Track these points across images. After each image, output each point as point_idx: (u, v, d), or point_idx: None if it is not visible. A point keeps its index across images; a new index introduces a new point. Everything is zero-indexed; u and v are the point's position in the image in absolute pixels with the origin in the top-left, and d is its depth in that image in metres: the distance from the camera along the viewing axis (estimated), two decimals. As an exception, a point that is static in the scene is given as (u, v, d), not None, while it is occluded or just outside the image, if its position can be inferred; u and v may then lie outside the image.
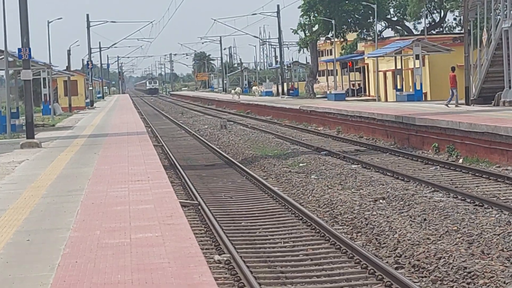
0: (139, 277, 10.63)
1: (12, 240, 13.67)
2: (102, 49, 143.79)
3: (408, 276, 14.82)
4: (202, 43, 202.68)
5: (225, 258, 16.64)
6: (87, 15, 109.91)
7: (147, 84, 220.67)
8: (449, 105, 48.04)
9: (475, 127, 32.83)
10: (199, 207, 23.24)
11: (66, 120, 66.48)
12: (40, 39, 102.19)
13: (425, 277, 15.19)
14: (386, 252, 17.38)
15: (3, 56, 47.84)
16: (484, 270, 14.91)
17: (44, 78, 69.48)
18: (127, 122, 56.07)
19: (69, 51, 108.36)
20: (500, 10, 48.12)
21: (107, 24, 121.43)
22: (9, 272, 11.26)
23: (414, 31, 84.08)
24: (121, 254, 12.17)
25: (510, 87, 45.81)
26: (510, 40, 45.63)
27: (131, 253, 12.16)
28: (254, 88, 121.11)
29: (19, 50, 37.99)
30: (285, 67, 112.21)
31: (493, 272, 14.69)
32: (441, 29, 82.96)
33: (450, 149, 34.55)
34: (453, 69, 49.60)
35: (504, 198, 22.91)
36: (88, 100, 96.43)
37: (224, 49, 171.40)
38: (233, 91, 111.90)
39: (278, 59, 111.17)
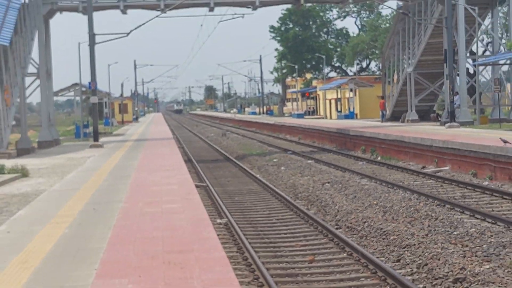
0: (167, 234, 10.93)
1: (83, 209, 14.07)
2: (144, 83, 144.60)
3: (344, 233, 15.31)
4: (210, 79, 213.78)
5: (224, 221, 17.04)
6: (134, 61, 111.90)
7: (175, 106, 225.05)
8: (382, 122, 49.61)
9: (389, 136, 33.35)
10: (207, 187, 23.62)
11: (120, 130, 65.42)
12: (103, 76, 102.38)
13: (355, 234, 15.46)
14: (330, 218, 17.66)
15: (78, 87, 50.11)
16: (393, 230, 14.96)
17: (105, 102, 70.86)
18: (159, 131, 55.27)
19: (122, 84, 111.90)
20: (405, 59, 48.20)
21: (147, 66, 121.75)
22: (81, 230, 11.66)
23: (349, 73, 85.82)
24: (155, 218, 12.51)
25: (411, 110, 47.39)
26: (411, 79, 47.48)
27: (162, 218, 12.51)
28: (246, 109, 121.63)
29: (89, 83, 40.17)
30: (265, 95, 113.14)
31: (400, 231, 14.79)
32: (367, 72, 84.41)
33: (372, 150, 34.94)
34: (382, 97, 52.49)
35: (407, 183, 23.41)
36: (134, 117, 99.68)
37: (225, 83, 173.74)
38: (231, 111, 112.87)
39: (260, 90, 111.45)
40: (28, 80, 39.62)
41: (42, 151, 36.60)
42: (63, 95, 63.95)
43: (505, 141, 22.43)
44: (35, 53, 40.21)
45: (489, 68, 43.99)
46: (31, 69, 39.96)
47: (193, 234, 10.84)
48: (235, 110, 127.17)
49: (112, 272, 8.57)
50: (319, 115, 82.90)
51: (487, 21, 44.88)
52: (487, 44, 48.05)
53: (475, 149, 24.11)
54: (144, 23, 42.35)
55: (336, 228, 15.89)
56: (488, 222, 15.46)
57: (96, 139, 38.57)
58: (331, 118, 73.20)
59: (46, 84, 40.62)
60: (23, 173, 23.37)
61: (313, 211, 18.79)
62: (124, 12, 41.41)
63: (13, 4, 35.44)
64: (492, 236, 13.74)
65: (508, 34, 42.27)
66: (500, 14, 44.63)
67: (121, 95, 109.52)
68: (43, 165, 27.22)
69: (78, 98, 58.03)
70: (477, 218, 16.01)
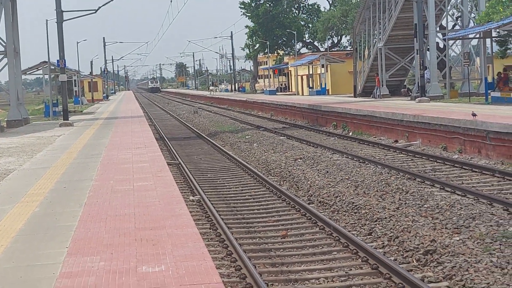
0: (139, 211, 11.02)
1: (53, 187, 14.10)
2: (114, 60, 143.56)
3: (316, 208, 15.35)
4: (181, 57, 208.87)
5: (197, 198, 16.97)
6: (103, 38, 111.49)
7: (149, 84, 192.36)
8: (376, 98, 48.75)
9: (360, 111, 33.44)
10: (180, 165, 23.53)
11: (90, 108, 65.47)
12: (71, 53, 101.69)
13: (327, 209, 15.50)
14: (302, 193, 17.76)
15: (47, 65, 49.22)
16: (365, 204, 15.01)
17: (74, 80, 70.87)
18: (130, 109, 55.30)
19: (91, 62, 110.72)
20: (376, 35, 48.43)
21: (117, 43, 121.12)
22: (51, 208, 11.71)
23: (321, 49, 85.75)
24: (127, 196, 12.57)
25: (382, 85, 48.18)
26: (382, 54, 47.90)
27: (134, 195, 12.56)
28: (214, 87, 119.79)
29: (58, 61, 39.79)
30: (237, 72, 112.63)
31: (371, 205, 14.83)
32: (338, 47, 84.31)
33: (344, 126, 35.00)
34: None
35: (378, 157, 23.61)
36: (104, 95, 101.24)
37: (196, 60, 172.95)
38: (211, 87, 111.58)
39: (232, 67, 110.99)
40: (-5, 58, 39.36)
41: (11, 130, 36.32)
42: (32, 73, 63.65)
43: (474, 115, 22.65)
44: (1, 31, 39.95)
45: (458, 42, 44.37)
46: (-2, 47, 39.64)
47: (165, 211, 10.89)
48: (214, 87, 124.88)
49: (84, 250, 8.59)
50: (291, 91, 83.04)
51: (456, -4, 45.39)
52: (456, 19, 48.29)
53: (445, 123, 24.32)
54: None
55: (309, 203, 15.97)
56: (458, 194, 15.55)
57: (65, 118, 38.45)
58: (303, 94, 73.20)
59: (13, 63, 40.23)
60: (-8, 153, 23.23)
61: (286, 186, 18.83)
62: (92, -12, 41.22)
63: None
64: (462, 208, 13.82)
65: (477, 8, 42.51)
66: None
67: (91, 73, 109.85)
68: (12, 144, 27.01)
69: (46, 76, 57.38)
70: (447, 191, 16.12)
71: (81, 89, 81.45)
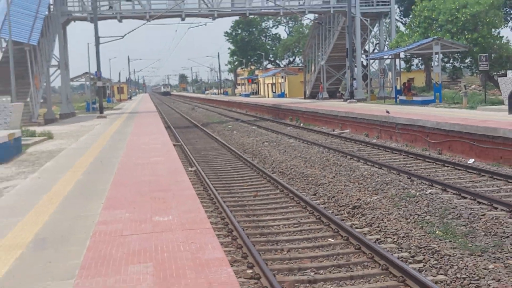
0: (153, 178, 10.85)
1: (92, 161, 13.94)
2: (135, 72, 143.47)
3: (277, 176, 15.39)
4: (183, 69, 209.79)
5: (194, 169, 17.00)
6: (128, 56, 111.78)
7: (162, 88, 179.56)
8: (316, 99, 48.45)
9: (308, 109, 33.46)
10: (182, 146, 23.44)
11: (118, 105, 64.82)
12: (105, 66, 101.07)
13: (285, 177, 15.51)
14: (268, 166, 17.66)
15: (88, 75, 49.08)
16: (311, 173, 15.19)
17: (107, 85, 69.47)
18: (147, 107, 54.51)
19: (119, 73, 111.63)
20: (319, 56, 48.59)
21: (137, 60, 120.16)
22: (91, 176, 11.55)
23: (281, 65, 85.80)
24: (144, 167, 12.41)
25: (324, 91, 47.75)
26: (323, 69, 48.11)
27: (149, 167, 12.39)
28: (209, 91, 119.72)
29: (96, 72, 39.31)
30: (222, 81, 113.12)
31: (315, 174, 15.03)
32: (293, 64, 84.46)
33: (297, 119, 34.88)
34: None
35: (321, 141, 23.47)
36: (129, 96, 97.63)
37: (193, 72, 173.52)
38: (207, 91, 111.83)
39: (219, 77, 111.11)
40: (51, 70, 39.07)
41: (63, 121, 35.93)
42: (77, 80, 62.99)
43: (387, 112, 22.82)
44: (56, 50, 39.66)
45: (377, 61, 44.55)
46: (54, 62, 39.31)
47: (171, 178, 10.80)
48: (211, 91, 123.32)
49: (114, 205, 8.54)
50: (260, 95, 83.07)
51: (375, 29, 45.21)
52: (375, 45, 48.52)
53: (367, 117, 24.49)
54: (134, 29, 41.90)
55: (272, 173, 16.01)
56: (376, 167, 15.71)
57: (101, 112, 38.21)
58: (268, 97, 73.03)
59: (64, 73, 39.95)
60: (49, 136, 23.05)
61: (256, 161, 18.83)
62: (120, 21, 40.72)
63: (40, 15, 34.74)
64: (378, 177, 13.99)
65: (390, 38, 42.77)
66: (385, 24, 45.07)
67: (119, 80, 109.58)
68: (63, 130, 26.75)
69: (88, 83, 57.31)
70: (368, 165, 16.28)
71: (112, 92, 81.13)
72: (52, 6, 38.93)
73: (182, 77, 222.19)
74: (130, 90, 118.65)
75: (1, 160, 15.74)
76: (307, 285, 7.40)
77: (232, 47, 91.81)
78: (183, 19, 41.84)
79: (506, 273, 7.25)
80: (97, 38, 37.57)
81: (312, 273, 7.78)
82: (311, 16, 49.31)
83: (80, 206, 8.59)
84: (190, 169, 17.08)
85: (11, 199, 9.61)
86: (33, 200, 9.20)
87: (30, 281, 5.31)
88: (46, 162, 14.68)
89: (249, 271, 7.71)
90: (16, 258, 6.02)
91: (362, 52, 44.83)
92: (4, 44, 35.01)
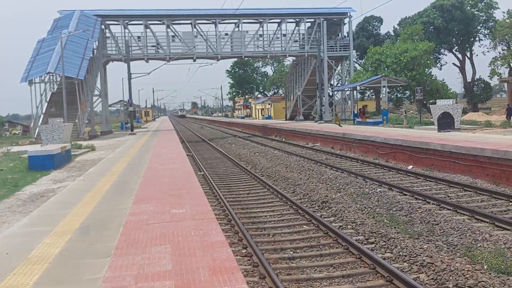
0: (171, 180, 10.76)
1: (125, 167, 13.88)
2: (158, 99, 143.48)
3: (265, 179, 14.79)
4: (194, 98, 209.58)
5: (202, 173, 16.48)
6: (153, 88, 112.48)
7: (179, 112, 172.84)
8: (295, 120, 47.43)
9: (288, 128, 32.95)
10: (193, 155, 22.84)
11: (145, 125, 64.13)
12: (135, 95, 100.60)
13: (271, 179, 15.10)
14: (258, 171, 17.07)
15: (122, 102, 48.45)
16: (291, 176, 14.82)
17: (136, 110, 69.27)
18: (166, 126, 54.07)
19: (146, 100, 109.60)
20: (297, 88, 48.82)
21: (160, 91, 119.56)
22: (124, 178, 11.46)
23: (268, 95, 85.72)
24: (164, 172, 12.31)
25: (300, 115, 47.04)
26: (300, 98, 47.39)
27: (168, 172, 12.31)
28: (215, 114, 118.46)
29: (128, 100, 38.69)
30: (224, 106, 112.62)
31: (294, 177, 14.61)
32: (277, 94, 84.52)
33: (280, 135, 34.07)
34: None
35: (298, 152, 22.88)
36: (153, 118, 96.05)
37: (202, 100, 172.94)
38: (214, 114, 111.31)
39: (221, 104, 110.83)
40: (94, 98, 38.87)
41: (103, 137, 35.75)
42: (114, 106, 63.21)
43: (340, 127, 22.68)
44: (98, 83, 39.34)
45: (340, 92, 44.67)
46: (96, 92, 39.10)
47: (185, 180, 10.71)
48: (218, 113, 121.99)
49: (141, 200, 8.47)
50: (253, 117, 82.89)
51: (339, 68, 45.18)
52: (339, 80, 48.78)
53: (332, 134, 24.32)
54: (158, 67, 41.97)
55: (261, 176, 15.77)
56: (340, 172, 15.56)
57: (132, 130, 38.01)
58: (259, 118, 72.53)
59: (104, 100, 39.83)
60: (92, 148, 22.94)
61: (249, 167, 18.52)
62: (147, 61, 40.60)
63: (86, 56, 34.60)
64: (341, 179, 13.87)
65: (349, 75, 42.94)
66: (346, 65, 45.26)
67: (145, 106, 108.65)
68: (103, 144, 26.67)
69: (122, 108, 57.20)
70: (333, 170, 16.12)
71: (140, 114, 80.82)
72: (95, 50, 38.84)
73: (194, 104, 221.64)
74: (154, 114, 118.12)
75: (56, 167, 15.71)
76: (287, 261, 7.35)
77: (231, 81, 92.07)
78: (194, 60, 41.91)
79: (436, 251, 7.24)
80: (129, 74, 37.43)
81: (291, 252, 7.73)
82: (291, 58, 49.52)
83: (115, 201, 8.51)
84: (199, 173, 16.81)
85: (63, 196, 9.55)
86: (80, 197, 9.15)
87: (76, 258, 5.29)
88: (90, 168, 14.66)
89: (244, 250, 7.64)
90: (66, 241, 5.99)
91: (329, 85, 44.87)
92: (58, 79, 34.96)
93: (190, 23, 40.89)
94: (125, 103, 52.94)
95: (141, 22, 40.43)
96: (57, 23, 38.32)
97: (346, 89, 40.35)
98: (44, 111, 33.20)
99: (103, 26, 39.87)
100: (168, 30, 40.49)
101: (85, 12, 39.71)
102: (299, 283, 6.44)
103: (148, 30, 40.45)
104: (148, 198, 8.67)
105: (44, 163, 15.42)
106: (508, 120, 30.04)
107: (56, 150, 16.14)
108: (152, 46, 40.67)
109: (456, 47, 51.60)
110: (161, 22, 40.74)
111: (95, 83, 38.83)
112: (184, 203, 8.02)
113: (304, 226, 9.26)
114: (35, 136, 30.39)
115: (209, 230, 6.20)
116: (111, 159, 16.87)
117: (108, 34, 40.57)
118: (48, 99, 34.94)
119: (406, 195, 11.35)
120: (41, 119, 31.95)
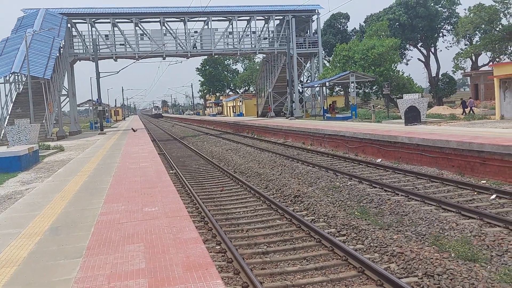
0: (143, 179, 10.63)
1: (95, 167, 13.61)
2: (128, 98, 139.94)
3: (238, 175, 14.91)
4: (164, 96, 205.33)
5: (174, 172, 16.61)
6: (122, 87, 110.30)
7: (153, 110, 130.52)
8: (265, 117, 47.50)
9: (260, 124, 32.97)
10: (164, 154, 22.80)
11: (114, 124, 62.84)
12: (104, 94, 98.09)
13: (244, 175, 15.16)
14: (230, 167, 17.21)
15: (91, 101, 47.46)
16: (263, 172, 14.89)
17: (106, 109, 67.92)
18: (137, 125, 52.68)
19: (115, 99, 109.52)
20: (267, 85, 48.93)
21: (129, 89, 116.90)
22: (94, 178, 11.30)
23: (239, 92, 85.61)
24: (135, 171, 12.12)
25: (271, 111, 47.06)
26: (271, 95, 47.49)
27: (140, 171, 12.13)
28: (188, 113, 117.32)
29: (97, 99, 37.48)
30: (195, 104, 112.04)
31: (266, 173, 14.71)
32: (248, 91, 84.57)
33: (252, 132, 34.13)
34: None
35: (270, 148, 23.15)
36: (122, 117, 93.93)
37: (173, 98, 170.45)
38: (185, 112, 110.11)
39: (192, 102, 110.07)
40: (62, 98, 37.96)
41: (71, 137, 34.89)
42: (82, 106, 61.39)
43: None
44: (66, 83, 38.45)
45: (309, 88, 45.06)
46: (64, 92, 38.17)
47: (157, 179, 10.60)
48: (190, 111, 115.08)
49: (112, 200, 8.35)
50: (224, 114, 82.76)
51: (308, 65, 45.42)
52: (308, 77, 49.06)
53: (302, 130, 24.48)
54: (127, 66, 41.25)
55: (234, 172, 15.79)
56: (311, 166, 15.67)
57: (101, 130, 37.28)
58: (230, 116, 72.55)
59: (72, 100, 38.89)
60: (61, 149, 22.39)
61: (222, 164, 18.49)
62: (115, 60, 39.90)
63: (52, 55, 33.76)
64: (313, 173, 13.94)
65: (318, 71, 43.37)
66: (315, 61, 45.62)
67: (115, 105, 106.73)
68: (72, 144, 26.04)
69: (90, 107, 56.05)
70: (305, 164, 16.21)
71: (109, 114, 79.50)
72: (62, 49, 37.87)
73: (164, 102, 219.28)
74: (124, 113, 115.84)
75: (23, 168, 15.31)
76: (261, 255, 7.37)
77: (202, 79, 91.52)
78: (164, 58, 41.34)
79: (406, 241, 7.37)
80: (98, 73, 36.67)
81: (265, 247, 7.75)
82: (261, 55, 49.67)
83: (86, 202, 8.37)
84: (171, 171, 16.73)
85: (32, 197, 9.31)
86: (49, 198, 8.97)
87: (46, 259, 5.18)
88: (59, 169, 14.35)
89: (218, 247, 7.63)
90: (35, 243, 5.85)
91: (299, 82, 45.07)
92: (24, 78, 33.96)
93: (159, 21, 40.36)
94: (94, 103, 52.04)
95: (108, 20, 39.66)
96: (21, 22, 37.18)
97: (316, 86, 40.72)
98: (9, 112, 32.28)
99: (69, 25, 38.95)
100: (137, 28, 39.91)
101: (50, 11, 38.68)
102: (273, 277, 6.47)
103: (116, 28, 39.74)
104: (120, 197, 8.54)
105: (11, 164, 15.00)
106: (465, 113, 31.04)
107: (23, 151, 15.70)
108: (121, 44, 39.94)
109: (421, 43, 52.91)
110: (129, 20, 40.05)
111: (63, 82, 37.87)
112: (156, 202, 7.92)
113: (277, 221, 9.30)
114: (1, 137, 29.50)
115: (182, 227, 6.14)
116: (80, 159, 16.50)
117: (75, 33, 39.66)
118: (13, 100, 34.03)
119: (375, 187, 11.53)
120: (6, 120, 31.08)
